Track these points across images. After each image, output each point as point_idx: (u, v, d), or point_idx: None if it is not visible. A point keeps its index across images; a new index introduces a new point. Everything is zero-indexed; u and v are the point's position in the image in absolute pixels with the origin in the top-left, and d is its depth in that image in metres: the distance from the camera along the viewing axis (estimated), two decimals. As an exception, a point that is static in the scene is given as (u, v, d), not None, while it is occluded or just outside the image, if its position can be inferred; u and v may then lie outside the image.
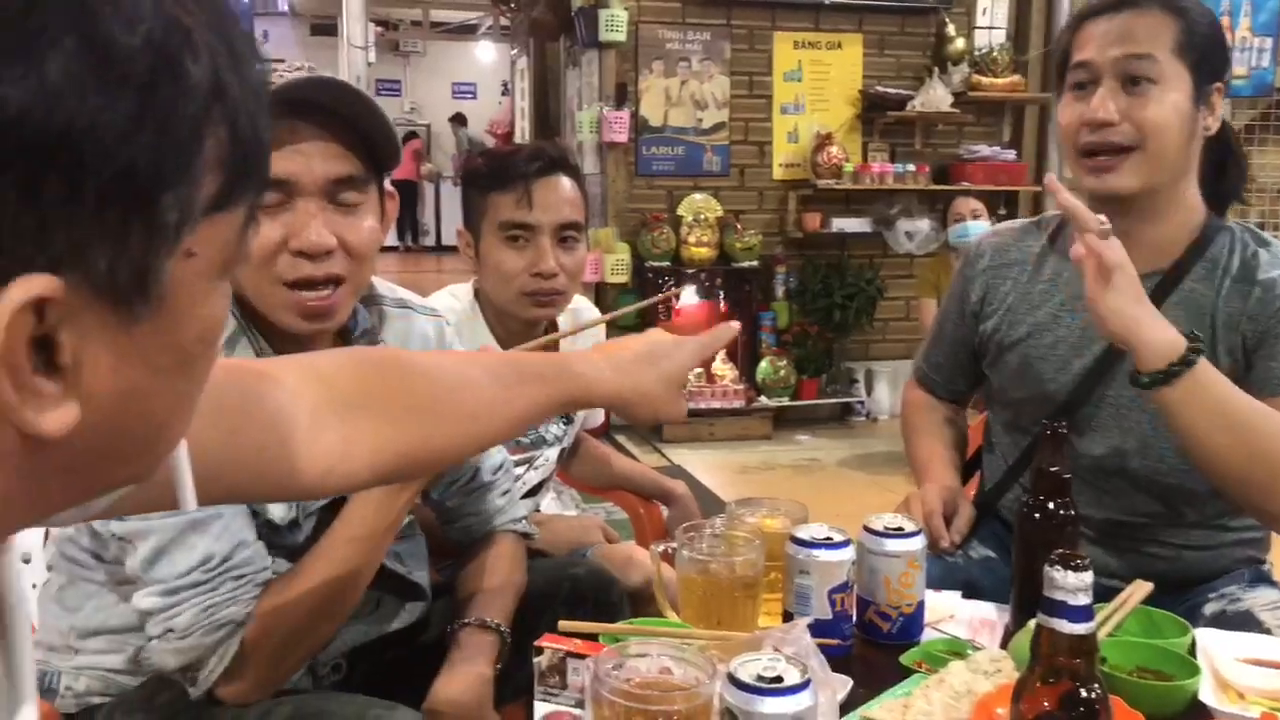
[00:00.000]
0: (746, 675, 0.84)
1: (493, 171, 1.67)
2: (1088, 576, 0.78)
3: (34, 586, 1.38)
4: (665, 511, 1.94)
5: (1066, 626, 0.78)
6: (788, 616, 1.18)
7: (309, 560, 1.16)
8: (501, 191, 1.65)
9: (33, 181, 0.40)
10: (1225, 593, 1.40)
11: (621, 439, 5.08)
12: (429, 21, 13.97)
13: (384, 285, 1.38)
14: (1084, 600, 0.78)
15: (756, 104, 5.40)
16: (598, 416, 1.99)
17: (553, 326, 1.82)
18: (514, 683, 1.37)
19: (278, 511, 1.20)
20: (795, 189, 5.42)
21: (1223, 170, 1.47)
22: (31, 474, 0.47)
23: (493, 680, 1.28)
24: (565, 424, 1.84)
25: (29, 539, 1.41)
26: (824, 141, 5.30)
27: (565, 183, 1.67)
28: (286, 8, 12.89)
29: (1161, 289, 1.40)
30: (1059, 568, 0.78)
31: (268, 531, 1.20)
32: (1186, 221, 1.43)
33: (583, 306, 1.91)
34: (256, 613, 1.13)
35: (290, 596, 1.14)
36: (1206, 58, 1.38)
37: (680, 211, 5.25)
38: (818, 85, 5.45)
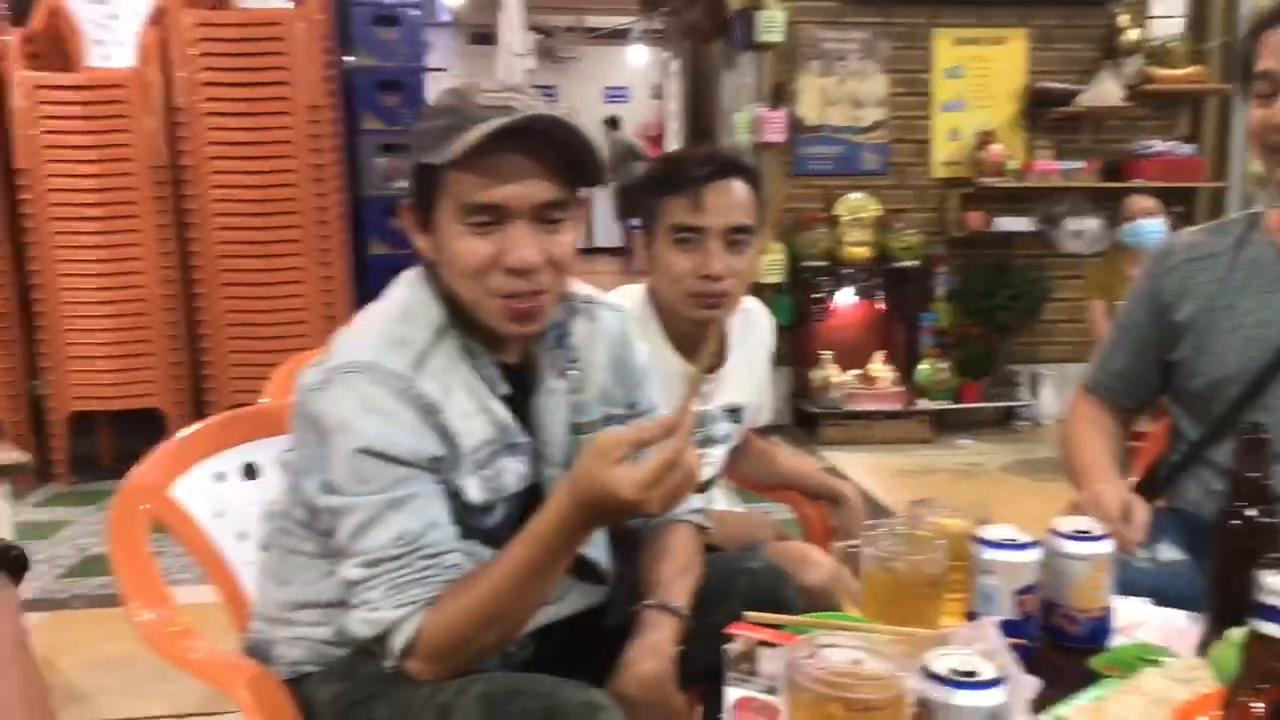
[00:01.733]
0: (941, 668, 0.85)
1: (666, 175, 1.71)
2: (1304, 581, 0.76)
3: (249, 564, 1.49)
4: (833, 512, 1.94)
5: (1281, 632, 0.76)
6: (971, 617, 1.18)
7: (490, 567, 1.21)
8: (674, 195, 1.68)
9: None
10: None
11: (774, 440, 5.07)
12: (583, 27, 14.22)
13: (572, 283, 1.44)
14: (1300, 605, 0.76)
15: (915, 102, 5.31)
16: (764, 414, 2.01)
17: (721, 328, 1.85)
18: (689, 669, 1.40)
19: (474, 494, 1.26)
20: (956, 188, 5.30)
21: None
22: None
23: (676, 661, 1.32)
24: (732, 422, 1.87)
25: (245, 517, 1.52)
26: (986, 139, 5.17)
27: (737, 186, 1.68)
28: (449, 18, 13.32)
29: None
30: (1274, 572, 0.76)
31: (463, 513, 1.27)
32: None
33: (754, 307, 1.93)
34: (437, 601, 1.19)
35: (468, 597, 1.19)
36: None
37: (837, 211, 5.21)
38: (980, 82, 5.32)
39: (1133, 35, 5.25)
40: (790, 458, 2.06)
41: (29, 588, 3.10)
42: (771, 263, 5.08)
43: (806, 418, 5.22)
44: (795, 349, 5.28)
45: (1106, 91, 5.12)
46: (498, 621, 1.20)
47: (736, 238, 1.69)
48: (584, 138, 1.22)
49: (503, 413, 1.29)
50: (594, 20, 14.08)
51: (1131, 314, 1.69)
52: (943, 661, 0.86)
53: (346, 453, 1.19)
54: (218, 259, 4.17)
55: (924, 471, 4.73)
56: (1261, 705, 0.77)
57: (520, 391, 1.33)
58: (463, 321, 1.28)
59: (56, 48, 4.25)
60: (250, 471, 1.56)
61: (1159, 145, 5.29)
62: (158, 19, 4.16)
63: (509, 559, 1.20)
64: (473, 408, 1.27)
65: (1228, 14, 5.37)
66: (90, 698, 2.60)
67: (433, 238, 1.26)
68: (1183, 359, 1.62)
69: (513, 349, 1.35)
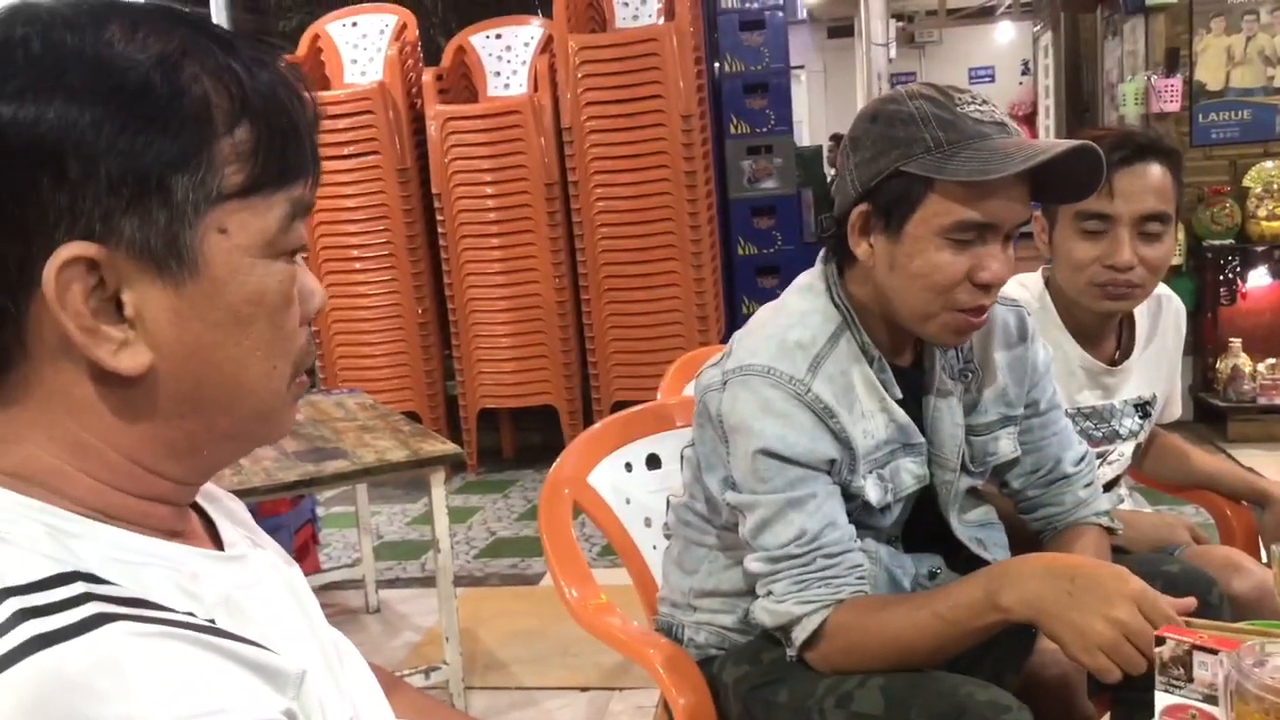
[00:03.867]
0: None
1: None
2: None
3: (654, 548, 1.60)
4: (1257, 514, 1.76)
5: None
6: None
7: (901, 603, 1.23)
8: None
9: (58, 170, 0.57)
10: None
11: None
12: (944, 9, 13.75)
13: None
14: None
15: (1345, 51, 4.66)
16: (1175, 409, 1.86)
17: (1129, 320, 1.73)
18: (1096, 678, 1.34)
19: (874, 495, 1.28)
20: (1397, 146, 4.60)
21: None
22: (146, 416, 0.62)
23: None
24: (1141, 416, 1.74)
25: (649, 505, 1.63)
26: None
27: (1154, 171, 1.56)
28: (805, 15, 13.37)
29: None
30: None
31: (861, 513, 1.29)
32: None
33: (1166, 294, 1.78)
34: (842, 609, 1.21)
35: (870, 619, 1.21)
36: None
37: (1247, 182, 4.67)
38: None
39: None
40: (1205, 455, 1.88)
41: (454, 564, 3.49)
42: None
43: (1211, 412, 4.74)
44: (1198, 337, 4.80)
45: None
46: (901, 653, 1.21)
47: (1149, 227, 1.56)
48: (1103, 170, 1.21)
49: (901, 414, 1.30)
50: (956, 0, 13.57)
51: None
52: None
53: (747, 453, 1.25)
54: (601, 266, 4.46)
55: (1361, 473, 4.14)
56: None
57: (913, 394, 1.33)
58: (859, 323, 1.30)
59: (463, 83, 4.74)
60: (653, 461, 1.67)
61: None
62: (545, 46, 4.52)
63: (932, 595, 1.21)
64: (873, 407, 1.29)
65: None
66: (505, 667, 2.89)
67: (887, 245, 1.25)
68: None
69: (907, 352, 1.35)
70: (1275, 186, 4.62)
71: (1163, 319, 1.77)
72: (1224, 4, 4.71)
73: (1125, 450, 1.73)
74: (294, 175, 0.65)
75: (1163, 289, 1.76)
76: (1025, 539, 1.47)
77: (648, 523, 1.63)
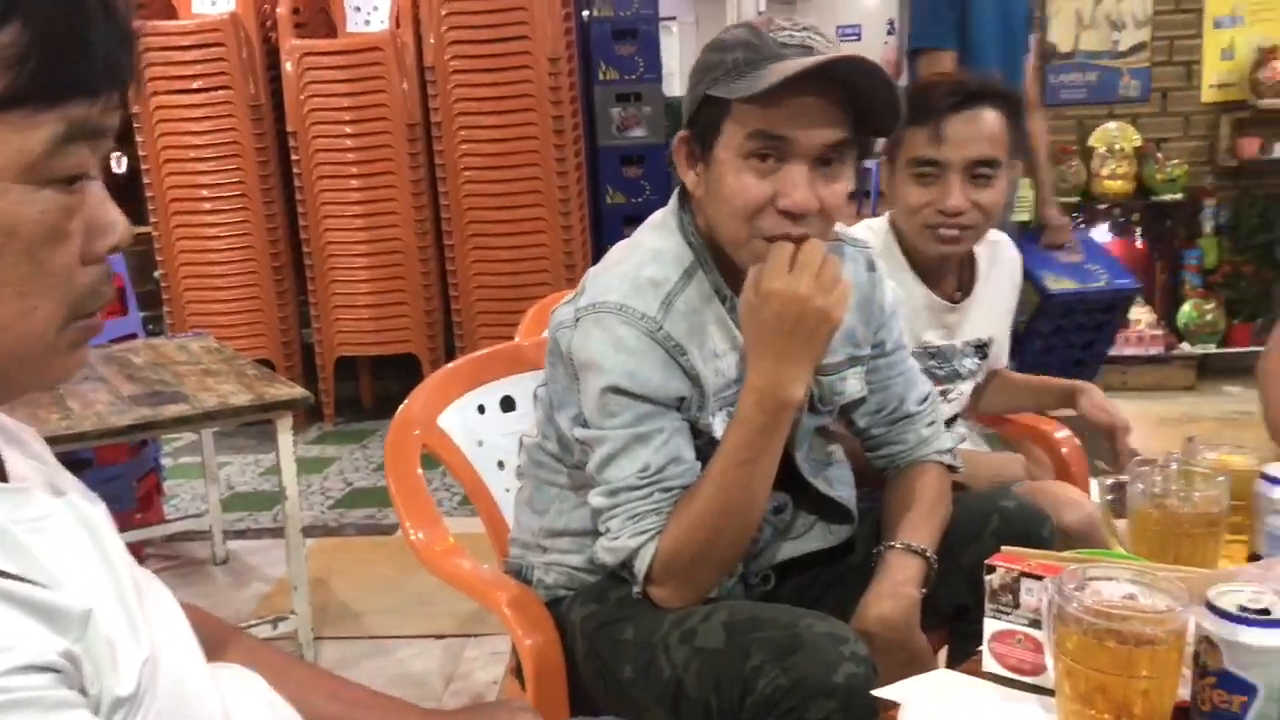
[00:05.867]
0: (1229, 604, 0.79)
1: (909, 105, 1.59)
2: None
3: (506, 491, 1.58)
4: (1077, 408, 1.83)
5: None
6: (1254, 559, 1.09)
7: (700, 484, 1.23)
8: (915, 126, 1.61)
9: None
10: None
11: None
12: (814, -34, 13.89)
13: None
14: None
15: (1184, 20, 4.87)
16: (1003, 359, 1.93)
17: (969, 259, 1.78)
18: (936, 610, 1.38)
19: (720, 432, 1.28)
20: (1229, 112, 4.84)
21: None
22: None
23: (919, 603, 1.30)
24: (979, 358, 1.80)
25: (503, 447, 1.60)
26: (1268, 56, 4.69)
27: (985, 116, 1.59)
28: (677, -34, 13.29)
29: None
30: None
31: (709, 449, 1.29)
32: None
33: (1001, 240, 1.84)
34: (666, 528, 1.22)
35: (690, 517, 1.22)
36: None
37: (1092, 142, 4.87)
38: (1262, -8, 4.83)
39: None
40: (1023, 376, 1.98)
41: (305, 516, 3.40)
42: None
43: (1054, 362, 4.96)
44: (1043, 291, 5.01)
45: None
46: (724, 519, 1.21)
47: (980, 171, 1.60)
48: (886, 83, 1.19)
49: None
50: (825, -42, 13.70)
51: None
52: (1230, 598, 0.80)
53: (597, 389, 1.24)
54: (465, 211, 4.36)
55: (1187, 420, 4.41)
56: None
57: None
58: (712, 262, 1.29)
59: (321, 16, 4.54)
60: (507, 404, 1.63)
61: None
62: (408, -18, 4.36)
63: (720, 452, 1.22)
64: (725, 346, 1.28)
65: None
66: (358, 616, 2.83)
67: (704, 173, 1.25)
68: None
69: None
70: (1117, 147, 4.83)
71: (998, 265, 1.83)
72: (1075, -33, 4.87)
73: (965, 389, 1.80)
74: (73, 91, 0.57)
75: (999, 235, 1.82)
76: (872, 477, 1.50)
77: (500, 465, 1.60)
